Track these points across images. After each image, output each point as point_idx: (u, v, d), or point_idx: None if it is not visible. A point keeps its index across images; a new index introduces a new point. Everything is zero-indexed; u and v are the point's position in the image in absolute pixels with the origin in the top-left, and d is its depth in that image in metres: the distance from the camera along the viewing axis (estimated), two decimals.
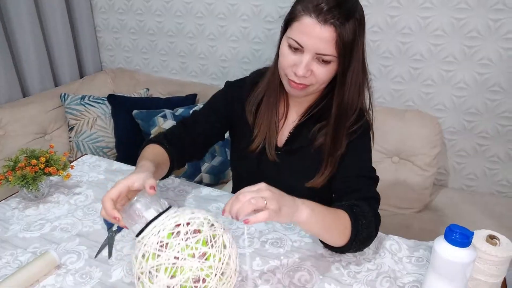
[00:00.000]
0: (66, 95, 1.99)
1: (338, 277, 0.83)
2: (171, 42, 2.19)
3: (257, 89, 1.01)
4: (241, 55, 2.04)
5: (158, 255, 0.65)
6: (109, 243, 0.93)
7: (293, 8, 0.84)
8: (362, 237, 0.83)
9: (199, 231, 0.68)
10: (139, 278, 0.68)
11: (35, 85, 2.02)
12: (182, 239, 0.66)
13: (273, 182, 1.03)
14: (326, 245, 0.89)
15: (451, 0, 1.57)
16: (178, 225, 0.68)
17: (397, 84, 1.78)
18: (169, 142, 0.99)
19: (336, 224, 0.81)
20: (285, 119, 1.02)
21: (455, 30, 1.60)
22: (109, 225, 0.98)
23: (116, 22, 2.28)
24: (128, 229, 0.72)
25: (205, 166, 1.82)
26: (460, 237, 0.65)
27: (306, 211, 0.74)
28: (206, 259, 0.66)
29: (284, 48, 0.86)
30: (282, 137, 1.03)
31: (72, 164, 1.15)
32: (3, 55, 1.83)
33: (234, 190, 1.20)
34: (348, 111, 0.92)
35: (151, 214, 0.70)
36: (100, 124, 1.98)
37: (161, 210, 0.71)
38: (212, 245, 0.67)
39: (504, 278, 0.80)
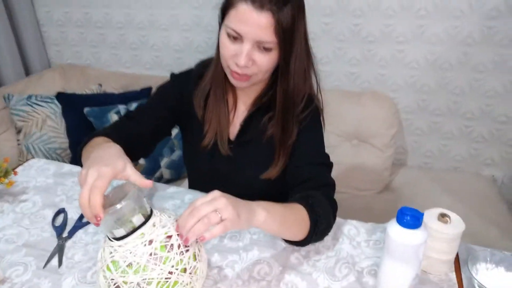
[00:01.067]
0: (11, 96, 1.87)
1: (298, 267, 0.83)
2: (121, 34, 2.10)
3: (203, 82, 0.98)
4: (195, 44, 1.99)
5: (152, 269, 0.64)
6: (59, 251, 0.88)
7: None
8: (321, 228, 0.82)
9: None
10: (115, 285, 0.65)
11: None
12: (176, 253, 0.66)
13: (228, 176, 1.02)
14: (286, 241, 0.87)
15: None
16: (169, 236, 0.66)
17: (352, 66, 1.79)
18: (116, 135, 0.92)
19: (294, 220, 0.79)
20: (234, 111, 1.00)
21: (404, 9, 1.62)
22: (59, 232, 0.93)
23: (60, 15, 2.16)
24: (97, 226, 0.65)
25: (164, 161, 1.78)
26: (411, 219, 0.66)
27: (263, 213, 0.71)
28: (194, 273, 0.68)
29: (223, 37, 0.83)
30: (234, 129, 1.00)
31: (15, 170, 1.08)
32: None
33: (191, 186, 1.16)
34: (295, 98, 0.90)
35: (138, 220, 0.66)
36: (50, 124, 1.88)
37: (146, 215, 0.67)
38: (199, 260, 0.69)
39: (457, 254, 0.82)
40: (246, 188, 1.01)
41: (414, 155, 1.89)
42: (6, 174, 1.01)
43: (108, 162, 0.68)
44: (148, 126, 1.00)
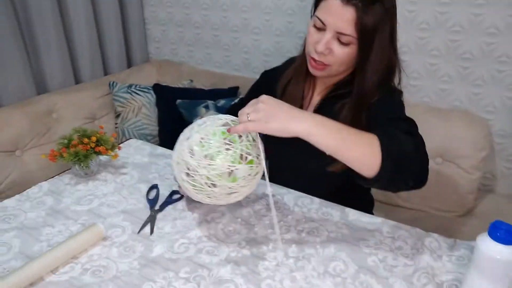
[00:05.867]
0: (115, 83, 2.08)
1: (374, 270, 0.83)
2: (216, 35, 2.23)
3: (287, 72, 1.08)
4: (285, 49, 2.05)
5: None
6: (151, 220, 0.97)
7: None
8: (395, 154, 0.72)
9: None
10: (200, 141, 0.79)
11: (86, 73, 2.13)
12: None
13: (295, 165, 1.06)
14: (358, 177, 0.78)
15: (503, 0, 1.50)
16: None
17: (444, 83, 1.72)
18: None
19: (357, 138, 0.73)
20: (310, 99, 1.06)
21: (508, 28, 1.53)
22: (152, 204, 1.03)
23: (164, 14, 2.35)
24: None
25: None
26: (504, 233, 0.63)
27: (306, 123, 0.71)
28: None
29: (310, 27, 0.92)
30: None
31: (119, 145, 1.21)
32: (60, 46, 1.93)
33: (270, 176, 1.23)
34: (370, 94, 0.94)
35: None
36: (145, 112, 2.05)
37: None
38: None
39: None
40: (312, 179, 1.05)
41: (504, 181, 1.76)
42: (113, 147, 1.14)
43: None
44: None
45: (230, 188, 0.79)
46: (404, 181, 0.77)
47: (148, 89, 2.10)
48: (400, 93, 1.00)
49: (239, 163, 0.77)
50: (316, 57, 0.91)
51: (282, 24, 2.00)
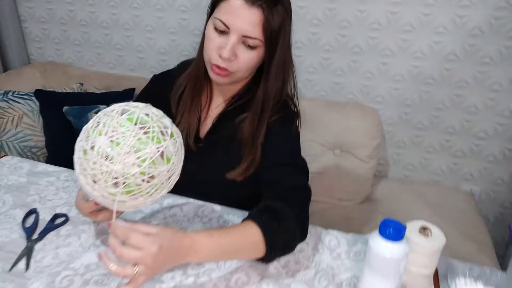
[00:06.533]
0: None
1: (277, 277, 0.81)
2: (106, 34, 2.06)
3: (181, 78, 0.98)
4: (181, 47, 1.97)
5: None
6: (27, 253, 0.84)
7: None
8: (280, 245, 0.79)
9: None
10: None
11: None
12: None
13: (194, 175, 1.01)
14: None
15: None
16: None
17: (337, 77, 1.79)
18: None
19: (243, 245, 0.76)
20: (208, 110, 1.00)
21: (390, 24, 1.64)
22: (29, 233, 0.89)
23: (43, 11, 2.11)
24: None
25: None
26: (393, 231, 0.65)
27: (194, 259, 0.71)
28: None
29: (210, 30, 0.84)
30: (205, 128, 1.00)
31: None
32: None
33: None
34: (271, 101, 0.90)
35: None
36: (27, 121, 1.82)
37: None
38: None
39: (436, 269, 0.81)
40: (212, 188, 1.01)
41: (395, 167, 1.90)
42: None
43: None
44: None
45: (168, 171, 0.70)
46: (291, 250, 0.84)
47: (30, 95, 1.86)
48: (297, 116, 0.96)
49: (164, 140, 0.69)
50: (220, 63, 0.84)
51: (176, 21, 1.91)
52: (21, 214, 0.96)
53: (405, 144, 1.83)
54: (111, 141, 0.66)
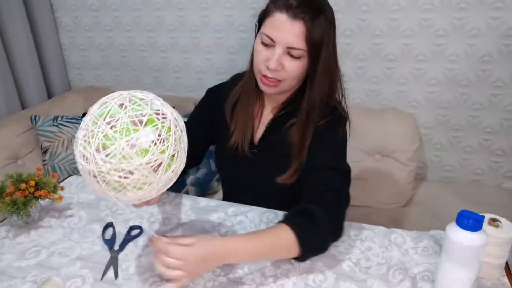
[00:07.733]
0: (37, 117, 1.91)
1: (351, 274, 0.84)
2: (143, 57, 2.16)
3: (234, 90, 1.06)
4: (217, 65, 2.04)
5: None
6: (113, 263, 0.90)
7: (266, 6, 0.91)
8: (313, 247, 0.84)
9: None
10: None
11: (1, 108, 1.93)
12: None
13: (247, 180, 1.09)
14: None
15: (418, 1, 1.64)
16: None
17: (372, 84, 1.84)
18: None
19: (279, 248, 0.82)
20: (260, 117, 1.06)
21: (423, 30, 1.68)
22: (110, 245, 0.95)
23: (83, 39, 2.22)
24: None
25: (190, 179, 1.80)
26: (472, 221, 0.68)
27: (232, 259, 0.80)
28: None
29: (258, 44, 0.92)
30: (258, 135, 1.06)
31: (61, 185, 1.11)
32: None
33: (225, 194, 1.23)
34: (318, 107, 0.95)
35: None
36: None
37: None
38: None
39: (506, 261, 0.84)
40: (264, 192, 1.08)
41: (434, 169, 1.91)
42: (55, 189, 1.03)
43: None
44: (192, 142, 1.04)
45: (148, 163, 0.65)
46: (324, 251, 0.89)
47: (77, 119, 1.95)
48: (345, 120, 1.00)
49: (135, 130, 0.64)
50: (268, 74, 0.91)
51: (211, 40, 1.99)
52: (98, 228, 1.02)
53: (443, 146, 1.85)
54: (85, 140, 0.66)
